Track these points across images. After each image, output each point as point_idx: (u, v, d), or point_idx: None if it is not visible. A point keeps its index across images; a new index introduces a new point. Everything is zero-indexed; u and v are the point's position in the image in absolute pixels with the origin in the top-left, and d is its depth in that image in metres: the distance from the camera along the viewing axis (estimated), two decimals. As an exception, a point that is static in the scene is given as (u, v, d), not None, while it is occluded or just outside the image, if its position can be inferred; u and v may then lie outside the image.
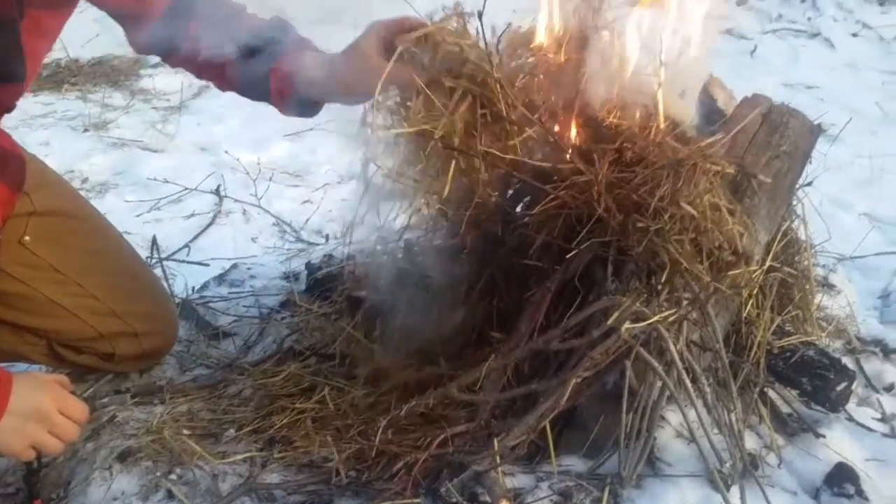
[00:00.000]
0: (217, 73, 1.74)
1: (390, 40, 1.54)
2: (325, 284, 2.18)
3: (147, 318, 1.85)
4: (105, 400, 1.80)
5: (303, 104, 1.70)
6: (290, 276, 2.42)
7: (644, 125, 1.56)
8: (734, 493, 1.40)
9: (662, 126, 1.55)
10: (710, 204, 1.52)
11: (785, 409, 1.70)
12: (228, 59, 1.67)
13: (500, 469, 1.41)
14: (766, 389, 1.68)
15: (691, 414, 1.43)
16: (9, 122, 1.58)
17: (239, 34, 1.67)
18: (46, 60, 4.16)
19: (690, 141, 1.56)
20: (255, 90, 1.73)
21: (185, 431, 1.66)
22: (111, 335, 1.79)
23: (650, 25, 1.55)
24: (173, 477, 1.54)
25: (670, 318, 1.41)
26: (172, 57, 1.78)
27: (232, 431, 1.69)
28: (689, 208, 1.47)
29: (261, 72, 1.66)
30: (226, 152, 3.41)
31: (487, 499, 1.38)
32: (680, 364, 1.39)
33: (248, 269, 2.48)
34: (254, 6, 1.73)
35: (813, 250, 1.94)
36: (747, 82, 2.81)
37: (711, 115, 1.70)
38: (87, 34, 4.24)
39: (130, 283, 1.87)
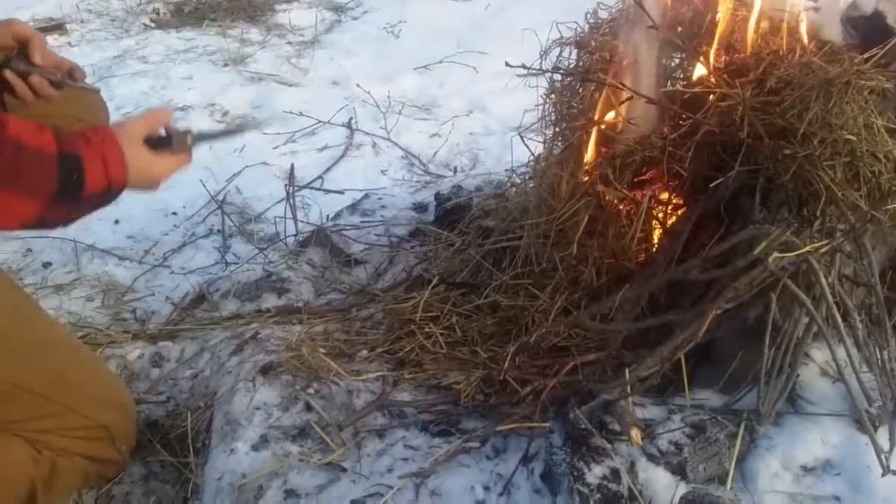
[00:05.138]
0: None
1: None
2: (453, 215, 2.19)
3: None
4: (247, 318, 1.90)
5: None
6: (419, 207, 2.45)
7: (790, 47, 1.46)
8: (882, 434, 1.32)
9: (810, 47, 1.45)
10: (866, 125, 1.40)
11: (943, 351, 1.58)
12: None
13: (630, 399, 1.39)
14: (923, 329, 1.56)
15: (840, 351, 1.35)
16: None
17: None
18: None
19: (842, 59, 1.44)
20: None
21: (322, 350, 1.73)
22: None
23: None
24: (311, 391, 1.61)
25: (822, 250, 1.32)
26: None
27: (365, 352, 1.75)
28: (841, 132, 1.37)
29: None
30: (357, 86, 3.46)
31: (616, 427, 1.36)
32: (830, 298, 1.30)
33: (379, 199, 2.51)
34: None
35: None
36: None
37: (878, 33, 1.55)
38: (224, -29, 4.38)
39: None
